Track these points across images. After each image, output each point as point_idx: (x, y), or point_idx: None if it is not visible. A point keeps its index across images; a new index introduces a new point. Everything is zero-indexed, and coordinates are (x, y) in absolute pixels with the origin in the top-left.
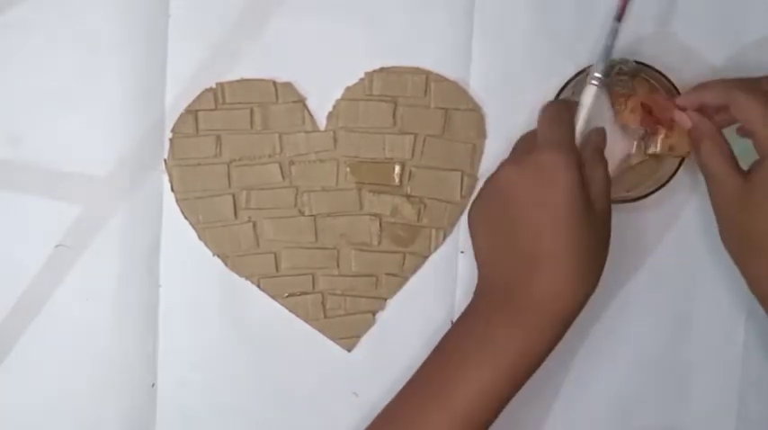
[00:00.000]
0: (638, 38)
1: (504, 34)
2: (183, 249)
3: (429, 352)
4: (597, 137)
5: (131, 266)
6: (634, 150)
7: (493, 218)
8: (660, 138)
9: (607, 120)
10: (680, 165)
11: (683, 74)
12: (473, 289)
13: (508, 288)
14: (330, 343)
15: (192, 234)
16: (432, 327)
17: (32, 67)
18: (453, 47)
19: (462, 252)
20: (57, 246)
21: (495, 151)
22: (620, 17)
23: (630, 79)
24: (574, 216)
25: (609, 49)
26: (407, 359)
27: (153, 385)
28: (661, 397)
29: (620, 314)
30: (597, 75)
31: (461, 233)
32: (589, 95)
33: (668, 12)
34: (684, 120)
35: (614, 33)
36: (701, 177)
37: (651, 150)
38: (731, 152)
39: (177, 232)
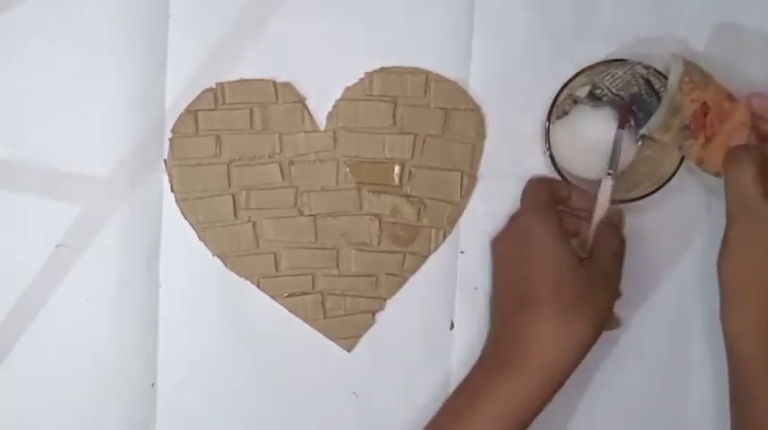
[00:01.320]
0: (639, 39)
1: (504, 34)
2: (183, 249)
3: (428, 352)
4: (615, 216)
5: (131, 266)
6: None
7: (496, 280)
8: (697, 144)
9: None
10: (680, 165)
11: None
12: (473, 289)
13: (501, 339)
14: (330, 343)
15: (192, 234)
16: (431, 328)
17: (32, 67)
18: (453, 47)
19: (462, 252)
20: (57, 246)
21: (494, 151)
22: (622, 125)
23: (704, 78)
24: (553, 266)
25: (617, 155)
26: (407, 359)
27: (153, 385)
28: (661, 397)
29: (620, 314)
30: (611, 172)
31: (461, 233)
32: (606, 188)
33: (668, 12)
34: (740, 130)
35: (620, 140)
36: (700, 178)
37: (683, 152)
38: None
39: (177, 232)
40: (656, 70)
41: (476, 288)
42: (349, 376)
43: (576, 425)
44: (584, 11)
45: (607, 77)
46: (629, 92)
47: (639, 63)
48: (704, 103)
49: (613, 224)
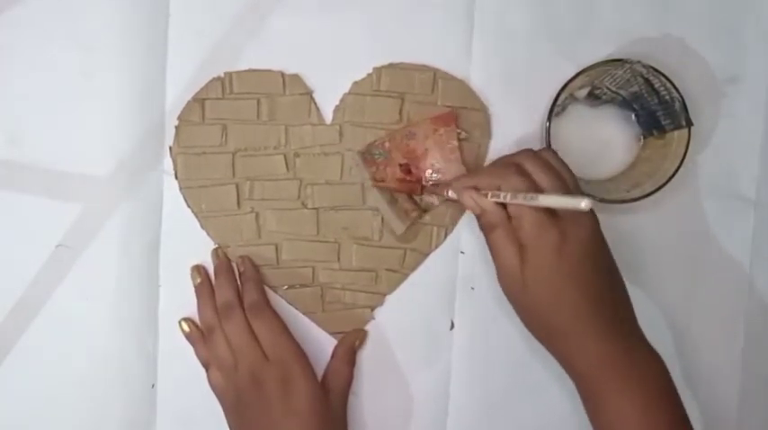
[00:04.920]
0: (639, 39)
1: (504, 34)
2: (182, 249)
3: (428, 352)
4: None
5: (131, 266)
6: (407, 206)
7: None
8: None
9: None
10: (680, 165)
11: (683, 74)
12: (472, 288)
13: None
14: (329, 342)
15: (192, 234)
16: (432, 328)
17: (33, 67)
18: (453, 47)
19: (462, 252)
20: (57, 246)
21: (494, 151)
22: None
23: (386, 152)
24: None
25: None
26: (407, 358)
27: (153, 385)
28: None
29: None
30: None
31: (461, 233)
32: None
33: (668, 12)
34: (472, 206)
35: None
36: (700, 178)
37: (430, 203)
38: (515, 244)
39: (177, 232)
40: (655, 69)
41: (472, 288)
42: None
43: (573, 425)
44: (584, 11)
45: (607, 78)
46: (629, 90)
47: (639, 62)
48: (400, 165)
49: (349, 354)
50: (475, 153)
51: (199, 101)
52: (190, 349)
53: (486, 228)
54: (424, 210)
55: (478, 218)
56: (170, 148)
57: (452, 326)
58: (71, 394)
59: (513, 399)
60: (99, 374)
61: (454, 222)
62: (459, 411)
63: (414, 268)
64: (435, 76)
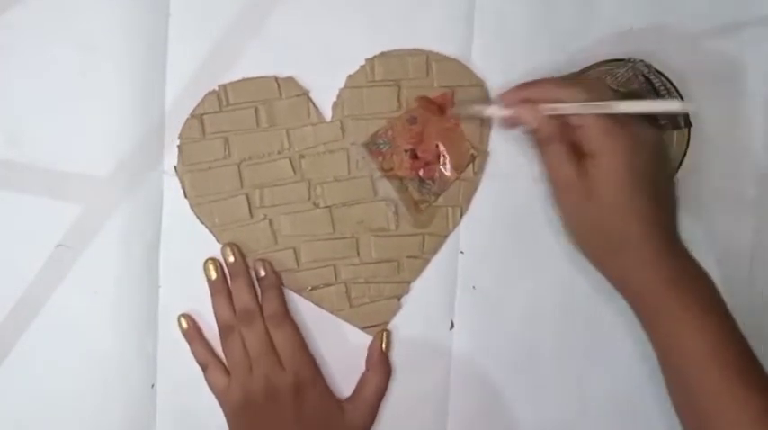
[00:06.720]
0: (639, 38)
1: (505, 34)
2: (182, 249)
3: (428, 352)
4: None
5: (131, 267)
6: (417, 197)
7: None
8: (438, 171)
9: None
10: (680, 165)
11: (683, 74)
12: (473, 288)
13: None
14: (326, 341)
15: (192, 234)
16: (432, 328)
17: (33, 67)
18: (453, 47)
19: (462, 252)
20: (57, 246)
21: (494, 152)
22: None
23: (390, 141)
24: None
25: None
26: (407, 359)
27: (153, 385)
28: (661, 396)
29: (621, 313)
30: None
31: (461, 233)
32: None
33: (668, 11)
34: (530, 119)
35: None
36: (700, 178)
37: (438, 187)
38: (572, 155)
39: (177, 232)
40: (656, 69)
41: (473, 287)
42: (349, 376)
43: (573, 424)
44: (584, 10)
45: (608, 76)
46: (630, 88)
47: (641, 61)
48: (407, 152)
49: (380, 362)
50: (478, 128)
51: (197, 117)
52: (190, 349)
53: (542, 142)
54: (437, 194)
55: (534, 132)
56: (175, 168)
57: (452, 326)
58: (71, 394)
59: (513, 399)
60: (99, 374)
61: (468, 200)
62: (459, 411)
63: (434, 252)
64: (428, 59)
